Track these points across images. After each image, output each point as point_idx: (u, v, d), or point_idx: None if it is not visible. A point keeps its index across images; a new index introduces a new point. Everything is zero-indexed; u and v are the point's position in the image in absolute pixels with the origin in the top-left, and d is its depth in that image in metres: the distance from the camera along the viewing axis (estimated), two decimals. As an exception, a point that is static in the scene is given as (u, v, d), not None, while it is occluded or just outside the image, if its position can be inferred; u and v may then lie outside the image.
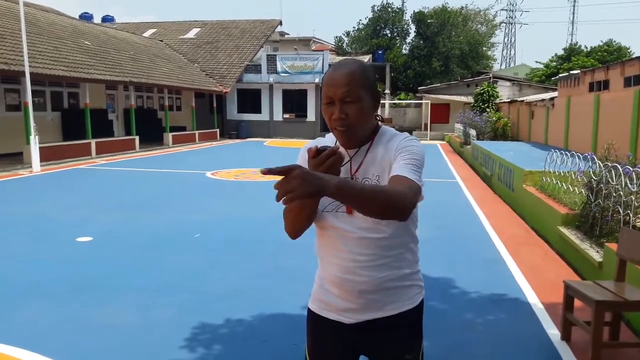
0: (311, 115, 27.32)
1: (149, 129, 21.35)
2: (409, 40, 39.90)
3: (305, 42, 40.59)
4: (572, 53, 37.91)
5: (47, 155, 14.13)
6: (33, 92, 13.75)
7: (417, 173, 1.53)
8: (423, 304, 1.78)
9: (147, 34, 30.32)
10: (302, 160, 1.66)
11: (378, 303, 1.66)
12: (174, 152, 19.57)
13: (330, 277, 1.69)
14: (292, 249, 5.85)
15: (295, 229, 1.67)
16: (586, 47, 39.10)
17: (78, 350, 3.47)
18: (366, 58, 30.14)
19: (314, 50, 33.89)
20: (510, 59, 69.20)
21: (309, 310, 1.81)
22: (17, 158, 14.24)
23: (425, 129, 28.04)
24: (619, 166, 4.91)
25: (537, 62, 47.26)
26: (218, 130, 26.49)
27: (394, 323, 1.69)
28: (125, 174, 13.21)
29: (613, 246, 4.24)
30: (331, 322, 1.72)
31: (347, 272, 1.63)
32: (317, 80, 26.63)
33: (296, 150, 1.81)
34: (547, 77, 35.81)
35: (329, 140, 1.75)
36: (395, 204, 1.40)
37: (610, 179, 5.01)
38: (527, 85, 28.43)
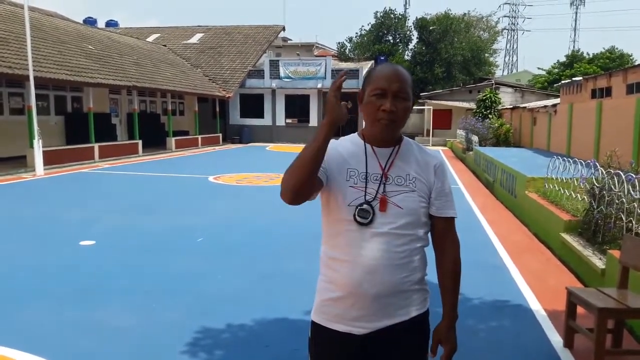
0: (314, 121, 27.36)
1: (152, 133, 21.42)
2: (411, 46, 40.03)
3: (308, 48, 40.73)
4: (574, 60, 37.99)
5: (50, 159, 14.16)
6: (37, 96, 13.78)
7: (454, 201, 1.78)
8: (429, 310, 1.76)
9: (151, 38, 30.46)
10: (330, 152, 1.62)
11: (390, 307, 1.63)
12: (177, 156, 19.62)
13: (344, 279, 1.62)
14: (294, 252, 5.86)
15: (301, 179, 1.50)
16: (588, 54, 39.20)
17: (80, 354, 3.48)
18: (368, 64, 30.20)
19: (316, 56, 34.02)
20: (512, 65, 69.44)
21: (312, 322, 1.74)
22: (20, 161, 14.28)
23: (428, 134, 28.05)
24: (621, 173, 4.92)
25: (539, 68, 47.38)
26: (221, 135, 26.56)
27: (405, 330, 1.66)
28: (128, 178, 13.25)
29: (616, 253, 4.24)
30: (339, 335, 1.65)
31: (369, 272, 1.58)
32: (319, 86, 26.70)
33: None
34: (549, 84, 35.87)
35: (346, 141, 1.73)
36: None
37: (612, 186, 5.01)
38: (530, 92, 28.46)
